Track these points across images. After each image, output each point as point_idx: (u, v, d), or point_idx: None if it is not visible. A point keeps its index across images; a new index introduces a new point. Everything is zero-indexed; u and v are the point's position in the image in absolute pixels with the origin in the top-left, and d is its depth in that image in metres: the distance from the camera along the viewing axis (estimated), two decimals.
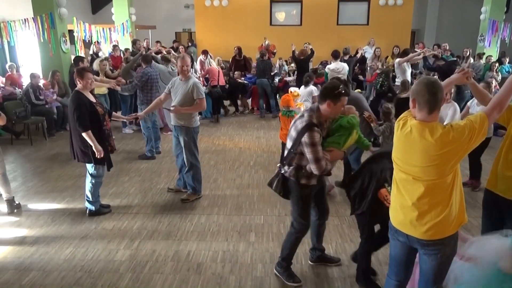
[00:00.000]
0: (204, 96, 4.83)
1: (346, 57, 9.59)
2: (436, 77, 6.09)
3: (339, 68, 8.58)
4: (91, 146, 4.34)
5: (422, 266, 2.48)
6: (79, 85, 4.40)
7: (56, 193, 5.38)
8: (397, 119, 2.43)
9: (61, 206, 4.99)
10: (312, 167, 3.02)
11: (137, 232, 4.33)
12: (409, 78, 8.45)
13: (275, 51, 11.91)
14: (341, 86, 2.98)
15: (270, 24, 15.42)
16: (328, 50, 9.06)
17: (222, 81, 9.71)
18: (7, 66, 9.89)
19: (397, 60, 8.54)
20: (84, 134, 4.28)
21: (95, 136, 4.35)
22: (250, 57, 11.49)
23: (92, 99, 4.46)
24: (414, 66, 9.55)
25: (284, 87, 10.15)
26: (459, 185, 2.31)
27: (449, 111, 4.93)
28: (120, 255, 3.88)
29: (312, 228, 3.55)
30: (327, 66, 8.96)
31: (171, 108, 4.80)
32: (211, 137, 8.26)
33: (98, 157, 4.37)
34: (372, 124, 4.90)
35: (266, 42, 12.05)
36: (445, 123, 2.26)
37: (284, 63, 11.61)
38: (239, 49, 11.10)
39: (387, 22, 14.75)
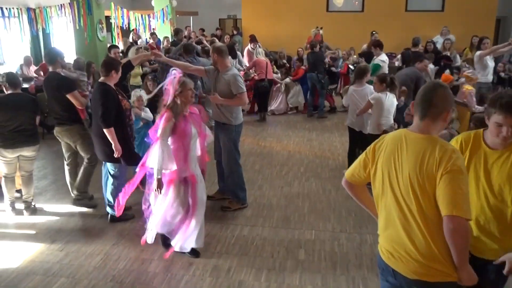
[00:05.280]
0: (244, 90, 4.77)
1: (416, 49, 9.23)
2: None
3: None
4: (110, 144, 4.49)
5: None
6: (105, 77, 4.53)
7: None
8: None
9: (92, 209, 5.18)
10: None
11: None
12: (491, 75, 8.03)
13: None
14: None
15: (327, 10, 15.22)
16: (394, 41, 8.78)
17: (270, 75, 9.67)
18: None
19: (478, 53, 7.95)
20: (105, 130, 4.42)
21: (118, 133, 4.48)
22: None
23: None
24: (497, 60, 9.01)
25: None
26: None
27: None
28: (154, 266, 3.96)
29: None
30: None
31: (210, 96, 4.88)
32: (256, 137, 8.29)
33: (116, 156, 4.50)
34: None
35: (314, 32, 11.89)
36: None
37: (340, 52, 11.36)
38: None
39: (466, 8, 14.08)
